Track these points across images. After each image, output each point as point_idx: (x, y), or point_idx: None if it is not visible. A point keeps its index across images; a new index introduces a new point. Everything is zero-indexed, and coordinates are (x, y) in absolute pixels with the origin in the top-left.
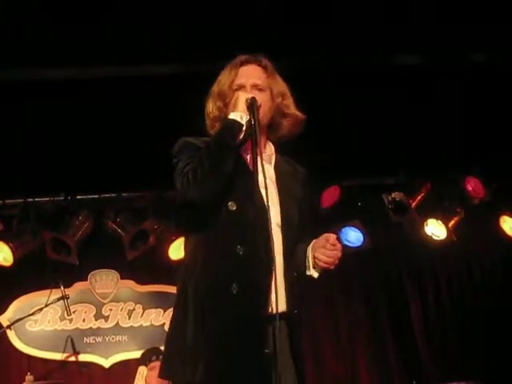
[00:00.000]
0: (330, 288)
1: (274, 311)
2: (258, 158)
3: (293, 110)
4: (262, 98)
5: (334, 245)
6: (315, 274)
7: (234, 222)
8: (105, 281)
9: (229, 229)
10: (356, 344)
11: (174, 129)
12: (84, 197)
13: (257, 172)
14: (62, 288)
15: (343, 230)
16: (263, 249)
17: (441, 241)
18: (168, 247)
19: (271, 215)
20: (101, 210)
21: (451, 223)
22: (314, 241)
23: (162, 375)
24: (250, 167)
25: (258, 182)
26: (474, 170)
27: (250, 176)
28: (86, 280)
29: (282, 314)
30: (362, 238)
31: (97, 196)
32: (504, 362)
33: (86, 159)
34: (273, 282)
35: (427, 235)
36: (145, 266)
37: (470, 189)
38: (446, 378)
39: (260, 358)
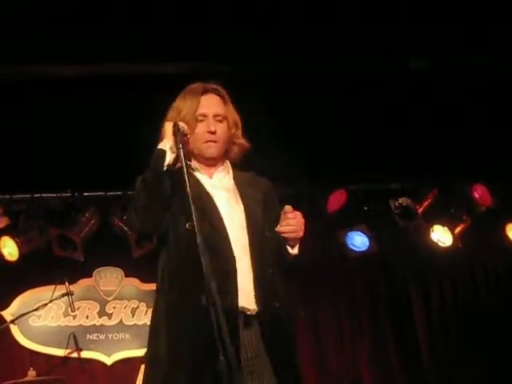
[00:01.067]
0: (335, 290)
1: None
2: (215, 170)
3: (242, 139)
4: (222, 128)
5: (290, 212)
6: (292, 250)
7: (193, 239)
8: (109, 278)
9: (189, 245)
10: (359, 346)
11: None
12: (91, 194)
13: (189, 194)
14: (67, 284)
15: (349, 234)
16: (224, 257)
17: (446, 247)
18: None
19: (233, 217)
20: (107, 207)
21: (457, 230)
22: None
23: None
24: (207, 188)
25: (187, 201)
26: (481, 178)
27: (204, 195)
28: (91, 277)
29: (253, 311)
30: (367, 243)
31: (103, 193)
32: (506, 367)
33: (93, 156)
34: (238, 286)
35: (433, 241)
36: (150, 265)
37: (477, 196)
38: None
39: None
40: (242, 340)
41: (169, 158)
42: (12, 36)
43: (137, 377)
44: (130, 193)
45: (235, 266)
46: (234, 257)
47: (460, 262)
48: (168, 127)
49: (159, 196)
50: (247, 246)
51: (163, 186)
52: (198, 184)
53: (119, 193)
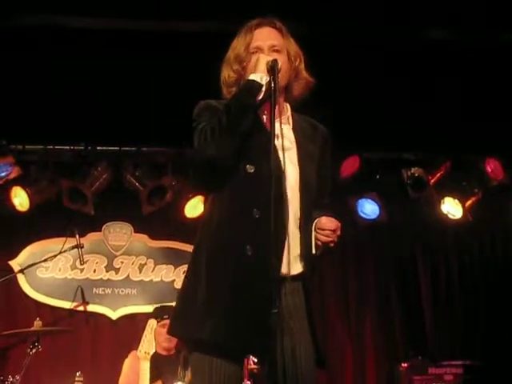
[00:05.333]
0: (343, 256)
1: (287, 273)
2: (277, 120)
3: (305, 73)
4: (280, 60)
5: (332, 230)
6: (313, 251)
7: (250, 185)
8: (118, 233)
9: (245, 191)
10: (363, 312)
11: (199, 87)
12: (104, 148)
13: (274, 134)
14: (78, 237)
15: (359, 201)
16: (278, 212)
17: (456, 220)
18: (184, 205)
19: (290, 177)
20: (120, 162)
21: (468, 203)
22: (316, 220)
23: (170, 332)
24: (268, 129)
25: (275, 144)
26: (495, 152)
27: (267, 138)
28: (100, 231)
29: (297, 275)
30: (377, 211)
31: (117, 148)
32: (508, 344)
33: (108, 111)
34: (286, 245)
35: (443, 213)
36: (159, 222)
37: (490, 170)
38: (450, 355)
39: (268, 318)
40: (285, 301)
41: (263, 90)
42: None
43: (142, 332)
44: (144, 149)
45: (287, 227)
46: (288, 218)
47: (469, 235)
48: (262, 61)
49: (241, 128)
50: (298, 209)
51: (247, 120)
52: (259, 125)
53: (133, 148)
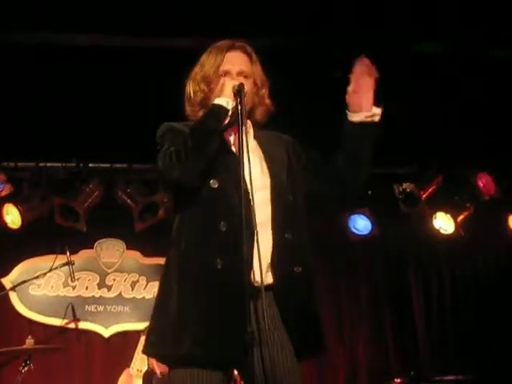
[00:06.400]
0: (335, 273)
1: (259, 284)
2: (244, 141)
3: (267, 99)
4: (246, 85)
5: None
6: (356, 117)
7: (216, 199)
8: (111, 250)
9: (211, 205)
10: (356, 328)
11: None
12: (96, 165)
13: (242, 155)
14: (68, 254)
15: (352, 217)
16: (247, 222)
17: (448, 235)
18: None
19: (260, 183)
20: (112, 179)
21: (460, 218)
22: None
23: (145, 351)
24: (234, 149)
25: (242, 162)
26: (486, 167)
27: (233, 156)
28: (92, 248)
29: (268, 286)
30: (370, 227)
31: (109, 165)
32: (500, 358)
33: (100, 128)
34: (256, 255)
35: (435, 228)
36: (152, 239)
37: (481, 185)
38: (443, 371)
39: (242, 331)
40: (256, 309)
41: (229, 114)
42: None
43: (134, 350)
44: (136, 165)
45: (255, 233)
46: (256, 222)
47: (461, 250)
48: (228, 86)
49: (207, 152)
50: (269, 211)
51: (213, 144)
52: (222, 143)
53: (125, 165)
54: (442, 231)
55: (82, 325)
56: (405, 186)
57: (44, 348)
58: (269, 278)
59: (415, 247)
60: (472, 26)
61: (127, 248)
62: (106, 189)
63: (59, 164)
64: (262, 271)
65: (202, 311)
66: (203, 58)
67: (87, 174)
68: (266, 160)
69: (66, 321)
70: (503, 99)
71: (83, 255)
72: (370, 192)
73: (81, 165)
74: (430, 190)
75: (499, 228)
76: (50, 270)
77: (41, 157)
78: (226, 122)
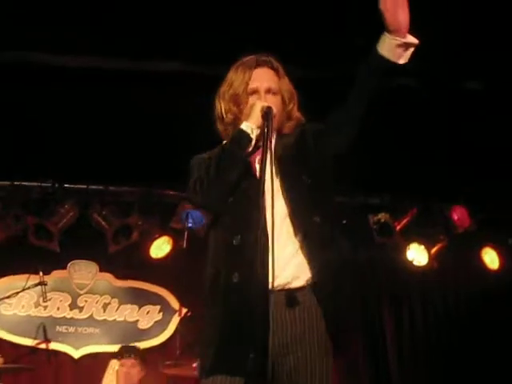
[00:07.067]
0: None
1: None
2: (267, 167)
3: (297, 113)
4: (275, 103)
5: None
6: (395, 40)
7: (232, 214)
8: (83, 271)
9: (228, 224)
10: None
11: (168, 128)
12: (72, 186)
13: (263, 179)
14: (41, 274)
15: None
16: (262, 236)
17: (421, 266)
18: (150, 245)
19: (277, 208)
20: (87, 200)
21: (433, 250)
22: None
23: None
24: (257, 175)
25: (264, 189)
26: (461, 199)
27: (254, 180)
28: (65, 269)
29: (288, 290)
30: None
31: (84, 186)
32: None
33: (77, 149)
34: (270, 267)
35: (408, 260)
36: (125, 261)
37: (456, 218)
38: None
39: (261, 343)
40: (279, 322)
41: (253, 142)
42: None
43: (103, 372)
44: (112, 188)
45: (268, 238)
46: (267, 229)
47: (433, 282)
48: (257, 107)
49: (230, 178)
50: (285, 215)
51: (236, 170)
52: (247, 166)
53: (101, 187)
54: (416, 262)
55: (53, 345)
56: (380, 216)
57: (13, 367)
58: (295, 281)
59: (389, 277)
60: (445, 59)
61: (100, 270)
62: (81, 210)
63: (35, 183)
64: (274, 275)
65: (222, 326)
66: (230, 75)
67: (62, 195)
68: (276, 158)
69: (36, 341)
70: (479, 133)
71: (56, 276)
72: (344, 221)
73: (56, 185)
74: (405, 221)
75: (472, 261)
76: (23, 290)
77: (16, 176)
78: (251, 148)
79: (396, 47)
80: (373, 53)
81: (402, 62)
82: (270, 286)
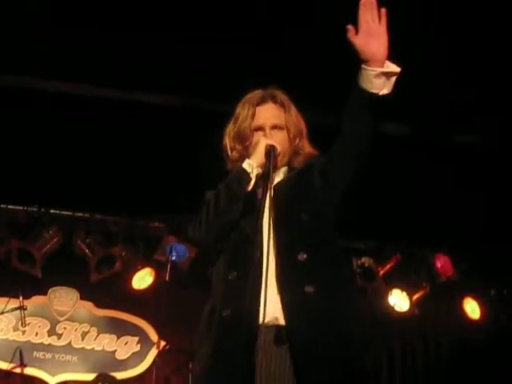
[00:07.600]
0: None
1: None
2: (266, 206)
3: (307, 148)
4: (280, 139)
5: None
6: (372, 70)
7: (231, 249)
8: (64, 298)
9: (227, 260)
10: None
11: (156, 159)
12: (57, 212)
13: (262, 216)
14: (21, 298)
15: None
16: (254, 272)
17: (403, 312)
18: (132, 276)
19: (272, 246)
20: (72, 227)
21: (415, 296)
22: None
23: None
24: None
25: (261, 226)
26: (445, 248)
27: (253, 217)
28: (46, 294)
29: (277, 326)
30: None
31: (70, 213)
32: None
33: (64, 175)
34: (261, 305)
35: (389, 305)
36: (106, 291)
37: (439, 266)
38: None
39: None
40: (264, 358)
41: (252, 182)
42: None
43: None
44: (98, 216)
45: (261, 274)
46: (262, 265)
47: (414, 329)
48: (261, 145)
49: (229, 216)
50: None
51: (235, 208)
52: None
53: (86, 215)
54: (397, 308)
55: (29, 371)
56: (363, 260)
57: None
58: (273, 319)
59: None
60: (436, 110)
61: (81, 298)
62: (65, 236)
63: (20, 207)
64: (265, 311)
65: (213, 358)
66: (237, 110)
67: (48, 220)
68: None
69: (12, 365)
70: (466, 182)
71: (36, 301)
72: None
73: (42, 210)
74: (388, 266)
75: (454, 310)
76: (2, 313)
77: (2, 199)
78: (251, 187)
79: (374, 78)
80: (354, 86)
81: (384, 92)
82: (260, 322)
